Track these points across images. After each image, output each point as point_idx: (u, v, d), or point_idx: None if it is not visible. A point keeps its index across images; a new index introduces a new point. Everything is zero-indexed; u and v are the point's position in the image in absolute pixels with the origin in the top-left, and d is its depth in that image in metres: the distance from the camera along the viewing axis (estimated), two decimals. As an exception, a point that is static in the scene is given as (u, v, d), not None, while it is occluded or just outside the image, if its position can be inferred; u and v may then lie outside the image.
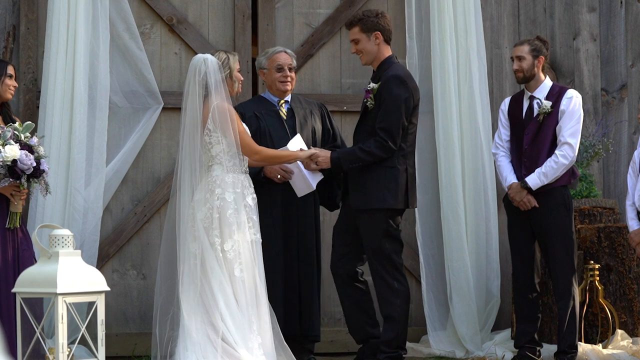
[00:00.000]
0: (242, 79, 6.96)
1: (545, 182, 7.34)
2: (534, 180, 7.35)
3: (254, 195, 6.85)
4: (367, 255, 7.11)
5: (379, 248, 7.04)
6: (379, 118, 7.03)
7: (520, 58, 7.47)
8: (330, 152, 7.11)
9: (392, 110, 7.00)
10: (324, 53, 8.44)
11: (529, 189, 7.36)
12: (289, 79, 7.47)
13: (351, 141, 7.41)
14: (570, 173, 7.48)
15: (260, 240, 6.84)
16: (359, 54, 7.15)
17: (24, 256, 6.66)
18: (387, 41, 7.19)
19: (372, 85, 7.12)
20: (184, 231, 6.69)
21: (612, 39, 8.88)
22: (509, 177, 7.49)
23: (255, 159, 6.82)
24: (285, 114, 7.53)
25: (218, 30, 8.29)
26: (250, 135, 6.93)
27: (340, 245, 7.22)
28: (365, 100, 7.15)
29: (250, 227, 6.77)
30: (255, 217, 6.82)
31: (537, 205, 7.37)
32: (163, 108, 8.08)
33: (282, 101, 7.53)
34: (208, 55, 6.79)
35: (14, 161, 6.45)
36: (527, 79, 7.48)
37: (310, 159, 7.03)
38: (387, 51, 7.19)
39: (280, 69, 7.45)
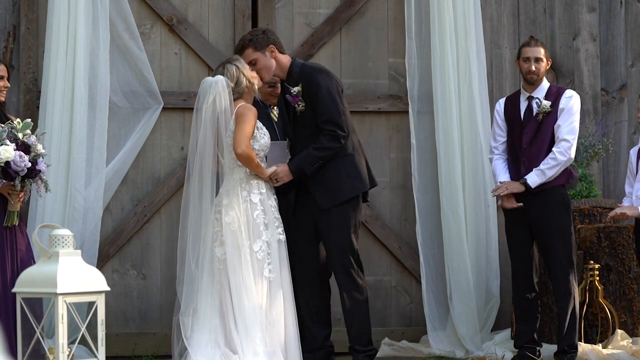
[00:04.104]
0: (256, 75, 7.01)
1: (544, 180, 7.35)
2: (533, 178, 7.36)
3: (276, 196, 6.99)
4: (333, 252, 7.07)
5: (349, 244, 7.05)
6: (318, 114, 7.03)
7: (538, 60, 7.44)
8: (286, 164, 7.06)
9: (329, 101, 7.02)
10: (324, 53, 8.43)
11: (528, 187, 7.36)
12: (279, 91, 7.48)
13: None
14: (569, 173, 7.49)
15: (285, 239, 6.91)
16: (259, 73, 7.07)
17: (22, 255, 6.66)
18: (282, 52, 7.18)
19: (295, 89, 7.07)
20: (202, 236, 6.77)
21: (612, 39, 8.88)
22: (501, 178, 7.51)
23: (239, 151, 6.79)
24: (277, 116, 7.55)
25: (218, 30, 8.29)
26: (252, 134, 6.90)
27: (305, 248, 7.19)
28: (295, 106, 7.09)
29: (277, 226, 6.89)
30: (280, 216, 6.93)
31: (516, 206, 7.37)
32: (163, 108, 8.08)
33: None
34: (219, 78, 6.84)
35: (7, 163, 6.43)
36: (538, 81, 7.48)
37: (270, 178, 7.01)
38: (287, 58, 7.19)
39: (272, 85, 7.45)
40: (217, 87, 6.82)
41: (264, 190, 6.90)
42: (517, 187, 7.39)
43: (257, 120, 6.93)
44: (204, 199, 6.83)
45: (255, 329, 6.66)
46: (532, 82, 7.49)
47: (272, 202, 6.92)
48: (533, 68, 7.45)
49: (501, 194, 7.42)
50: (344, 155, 7.10)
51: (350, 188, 7.09)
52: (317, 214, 7.11)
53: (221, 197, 6.85)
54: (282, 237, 6.92)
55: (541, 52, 7.47)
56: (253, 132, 6.86)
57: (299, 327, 7.12)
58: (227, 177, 6.88)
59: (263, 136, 6.95)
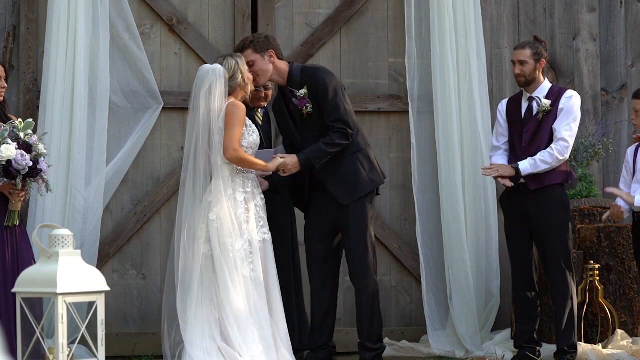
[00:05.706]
0: (252, 78, 7.00)
1: (535, 171, 7.35)
2: (525, 165, 7.37)
3: (262, 195, 6.95)
4: (352, 247, 7.10)
5: (368, 238, 7.10)
6: (326, 113, 7.09)
7: (522, 62, 7.45)
8: (295, 156, 7.08)
9: (336, 100, 7.10)
10: (324, 53, 8.44)
11: (518, 173, 7.36)
12: (263, 95, 7.47)
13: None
14: (568, 173, 7.50)
15: (271, 239, 6.90)
16: (254, 75, 7.06)
17: (23, 255, 6.66)
18: (281, 58, 7.20)
19: (301, 92, 7.12)
20: (193, 233, 6.75)
21: (612, 39, 8.88)
22: (495, 161, 7.51)
23: (229, 156, 6.79)
24: (261, 118, 7.56)
25: (218, 30, 8.29)
26: (242, 135, 6.88)
27: (321, 248, 7.22)
28: (302, 109, 7.13)
29: (262, 226, 6.87)
30: (265, 216, 6.89)
31: (508, 186, 7.37)
32: (163, 108, 8.09)
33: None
34: (217, 66, 6.82)
35: (9, 161, 6.44)
36: (529, 83, 7.48)
37: (277, 169, 7.01)
38: (285, 63, 7.21)
39: (257, 87, 7.47)
40: (214, 75, 6.78)
41: (249, 189, 6.86)
42: (508, 171, 7.39)
43: (246, 118, 6.91)
44: (196, 197, 6.82)
45: (249, 325, 6.64)
46: (520, 85, 7.51)
47: (257, 201, 6.88)
48: (518, 71, 7.47)
49: (492, 176, 7.44)
50: (358, 150, 7.18)
51: (368, 182, 7.16)
52: (336, 211, 7.14)
53: (207, 194, 6.84)
54: (268, 236, 6.88)
55: (527, 54, 7.46)
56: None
57: (305, 324, 7.15)
58: (215, 175, 6.85)
59: (251, 134, 6.92)
